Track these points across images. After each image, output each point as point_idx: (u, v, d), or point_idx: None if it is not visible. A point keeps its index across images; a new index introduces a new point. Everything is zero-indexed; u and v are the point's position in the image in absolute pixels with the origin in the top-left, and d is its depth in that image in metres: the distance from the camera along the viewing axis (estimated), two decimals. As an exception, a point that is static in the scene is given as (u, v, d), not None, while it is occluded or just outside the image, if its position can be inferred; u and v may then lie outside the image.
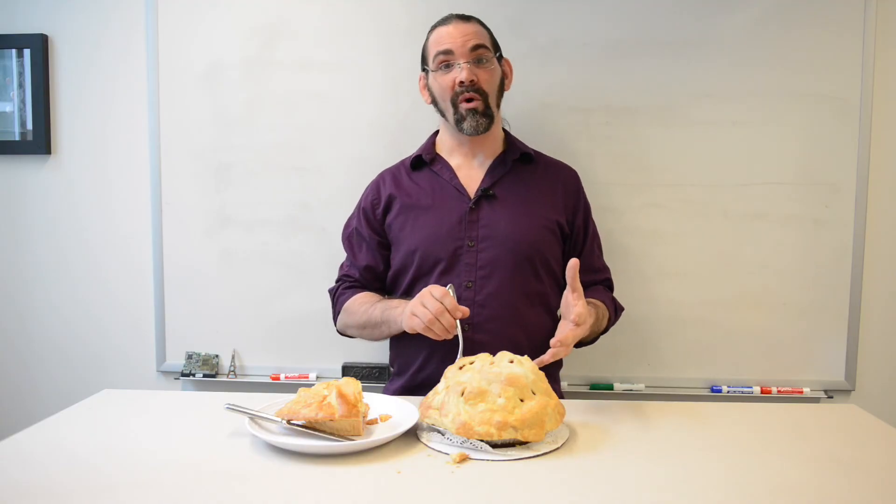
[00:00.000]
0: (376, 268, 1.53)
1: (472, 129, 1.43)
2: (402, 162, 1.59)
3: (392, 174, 1.56)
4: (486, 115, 1.43)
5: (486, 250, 1.42)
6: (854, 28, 1.78)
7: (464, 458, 0.94)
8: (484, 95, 1.42)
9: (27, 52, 1.93)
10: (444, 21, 1.46)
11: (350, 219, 1.61)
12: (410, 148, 1.75)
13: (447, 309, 1.19)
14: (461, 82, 1.39)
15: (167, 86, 1.89)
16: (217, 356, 1.94)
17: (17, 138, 1.96)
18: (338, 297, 1.55)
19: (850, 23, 1.78)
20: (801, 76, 1.79)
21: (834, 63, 1.79)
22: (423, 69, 1.51)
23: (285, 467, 0.91)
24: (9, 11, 1.94)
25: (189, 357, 1.94)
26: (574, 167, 1.60)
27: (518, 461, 0.94)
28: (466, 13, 1.48)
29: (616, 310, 1.53)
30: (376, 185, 1.56)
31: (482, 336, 1.36)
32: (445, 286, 1.27)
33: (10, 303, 2.02)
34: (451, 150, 1.53)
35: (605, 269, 1.58)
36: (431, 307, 1.19)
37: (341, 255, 1.87)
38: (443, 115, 1.49)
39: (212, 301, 1.92)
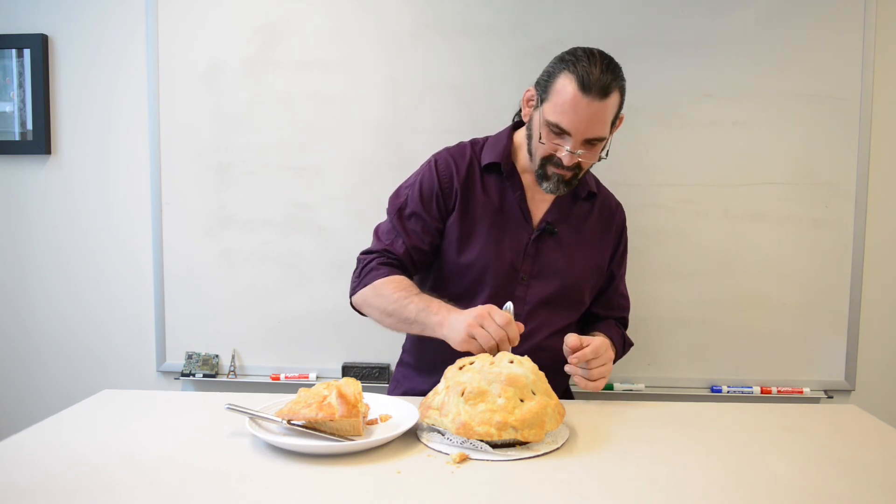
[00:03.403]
0: (424, 250, 1.40)
1: (550, 191, 1.35)
2: (474, 150, 1.44)
3: (467, 166, 1.41)
4: (569, 185, 1.35)
5: (537, 287, 1.38)
6: (854, 28, 1.78)
7: (464, 458, 0.94)
8: (578, 170, 1.34)
9: (27, 52, 1.93)
10: (584, 85, 1.22)
11: (403, 188, 1.44)
12: (411, 148, 1.75)
13: (509, 337, 1.13)
14: (561, 159, 1.30)
15: (167, 86, 1.89)
16: (217, 356, 1.94)
17: (17, 138, 1.96)
18: (369, 269, 1.37)
19: (850, 23, 1.78)
20: (801, 76, 1.79)
21: (834, 63, 1.79)
22: (540, 92, 1.32)
23: (285, 467, 0.91)
24: (9, 11, 1.94)
25: (189, 357, 1.94)
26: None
27: (518, 461, 0.94)
28: (612, 57, 1.27)
29: (625, 345, 1.50)
30: (449, 171, 1.40)
31: None
32: (503, 305, 1.21)
33: (10, 303, 2.02)
34: (525, 165, 1.41)
35: (624, 308, 1.54)
36: (496, 336, 1.12)
37: (341, 255, 1.87)
38: (531, 153, 1.38)
39: (212, 301, 1.92)
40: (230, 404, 1.04)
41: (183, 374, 1.93)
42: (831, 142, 1.81)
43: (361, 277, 1.37)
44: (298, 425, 1.00)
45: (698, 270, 1.85)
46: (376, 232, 1.44)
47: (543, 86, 1.31)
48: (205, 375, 1.93)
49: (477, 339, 1.13)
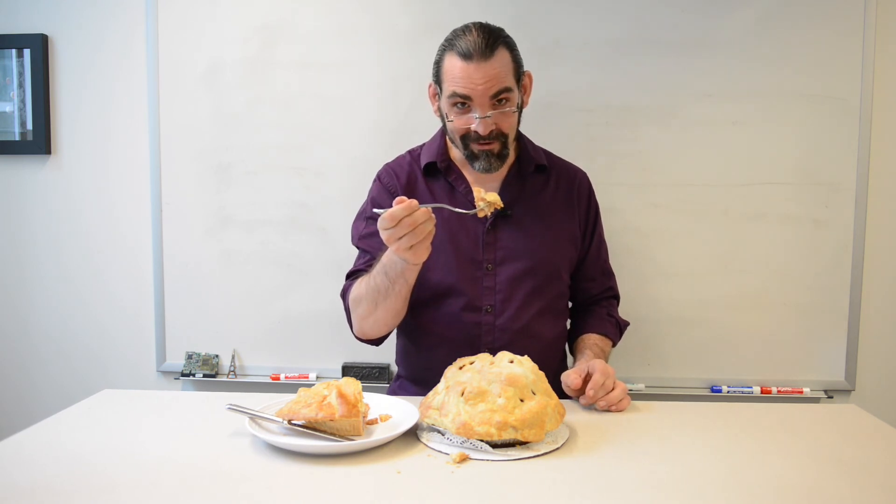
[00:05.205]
0: None
1: (483, 169, 1.34)
2: (413, 157, 1.47)
3: (407, 175, 1.44)
4: (501, 157, 1.34)
5: (505, 273, 1.37)
6: (854, 28, 1.78)
7: (464, 458, 0.94)
8: (503, 138, 1.33)
9: (27, 52, 1.93)
10: (465, 54, 1.26)
11: (358, 220, 1.49)
12: (410, 147, 1.75)
13: (417, 223, 1.09)
14: (476, 131, 1.30)
15: (167, 86, 1.89)
16: (217, 356, 1.94)
17: (17, 138, 1.96)
18: (344, 297, 1.42)
19: (850, 23, 1.78)
20: (801, 76, 1.79)
21: (834, 63, 1.79)
22: (435, 82, 1.37)
23: (285, 467, 0.91)
24: (9, 11, 1.94)
25: (189, 357, 1.94)
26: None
27: (518, 461, 0.94)
28: (489, 23, 1.32)
29: (620, 331, 1.51)
30: (392, 180, 1.44)
31: None
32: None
33: (10, 303, 2.02)
34: (463, 159, 1.41)
35: (609, 276, 1.54)
36: (409, 236, 1.10)
37: (341, 255, 1.87)
38: (452, 140, 1.40)
39: (212, 301, 1.92)
40: (231, 404, 1.04)
41: (183, 374, 1.93)
42: (831, 142, 1.81)
43: (346, 308, 1.41)
44: (298, 425, 1.00)
45: (698, 270, 1.85)
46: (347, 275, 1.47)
47: (436, 75, 1.35)
48: (205, 375, 1.93)
49: (402, 248, 1.12)
